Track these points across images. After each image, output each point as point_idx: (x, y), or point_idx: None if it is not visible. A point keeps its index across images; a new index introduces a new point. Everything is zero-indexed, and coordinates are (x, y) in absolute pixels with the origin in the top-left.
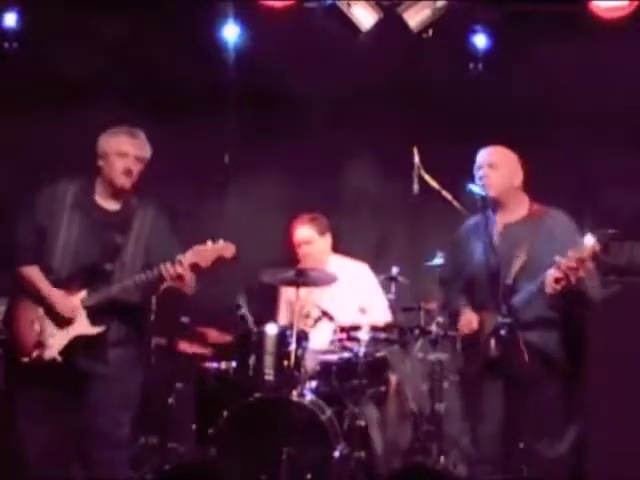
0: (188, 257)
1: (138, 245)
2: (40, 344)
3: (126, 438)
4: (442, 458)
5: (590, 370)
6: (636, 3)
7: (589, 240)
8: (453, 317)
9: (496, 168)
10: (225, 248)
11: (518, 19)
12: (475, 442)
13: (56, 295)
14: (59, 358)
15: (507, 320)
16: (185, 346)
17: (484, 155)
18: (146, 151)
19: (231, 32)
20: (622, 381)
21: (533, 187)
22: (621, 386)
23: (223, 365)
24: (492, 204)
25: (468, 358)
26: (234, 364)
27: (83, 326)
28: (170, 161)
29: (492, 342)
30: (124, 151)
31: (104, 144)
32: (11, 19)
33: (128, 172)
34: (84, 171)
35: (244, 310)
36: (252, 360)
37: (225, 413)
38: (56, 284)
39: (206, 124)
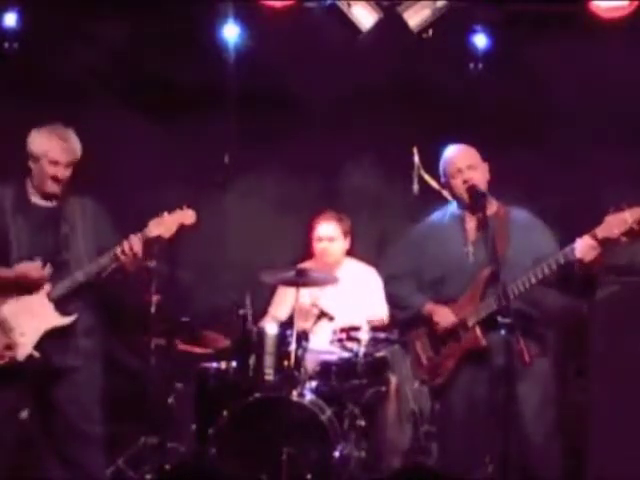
0: (151, 229)
1: (86, 232)
2: (11, 345)
3: (99, 433)
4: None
5: (590, 370)
6: (636, 3)
7: (629, 210)
8: (406, 313)
9: (475, 168)
10: (185, 215)
11: (518, 19)
12: (457, 439)
13: (19, 267)
14: (36, 354)
15: (507, 320)
16: (185, 346)
17: (460, 157)
18: (77, 153)
19: (231, 32)
20: (622, 381)
21: (533, 187)
22: (622, 386)
23: (223, 365)
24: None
25: (439, 354)
26: (234, 364)
27: (54, 318)
28: (170, 161)
29: (478, 332)
30: (55, 159)
31: (35, 146)
32: (11, 19)
33: (58, 180)
34: (84, 171)
35: (247, 310)
36: (252, 360)
37: (225, 413)
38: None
39: (206, 124)
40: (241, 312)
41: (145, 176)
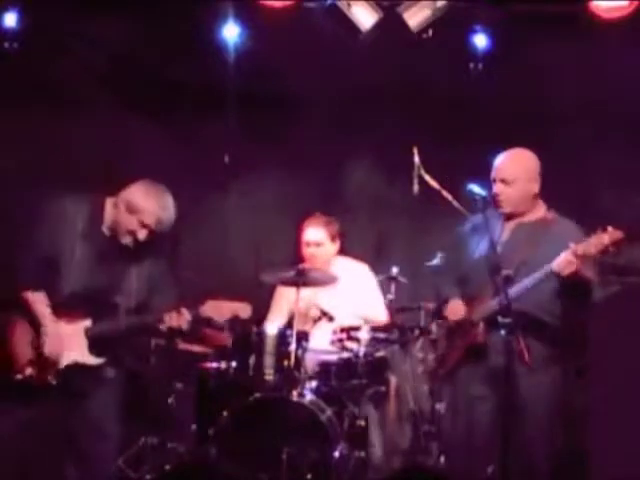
0: (206, 310)
1: (140, 282)
2: (33, 363)
3: (115, 432)
4: (442, 458)
5: (591, 370)
6: (636, 3)
7: (610, 230)
8: (441, 305)
9: (509, 184)
10: (243, 308)
11: (518, 19)
12: (467, 433)
13: (48, 324)
14: (53, 381)
15: (507, 320)
16: (185, 346)
17: (498, 167)
18: (167, 224)
19: (231, 32)
20: (622, 381)
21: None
22: (622, 386)
23: (223, 365)
24: (504, 214)
25: (451, 345)
26: (234, 364)
27: (82, 354)
28: (170, 161)
29: (481, 327)
30: (147, 223)
31: (135, 200)
32: (11, 19)
33: (135, 240)
34: (84, 171)
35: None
36: (252, 360)
37: (225, 413)
38: (63, 311)
39: (206, 124)
40: None
41: (145, 176)
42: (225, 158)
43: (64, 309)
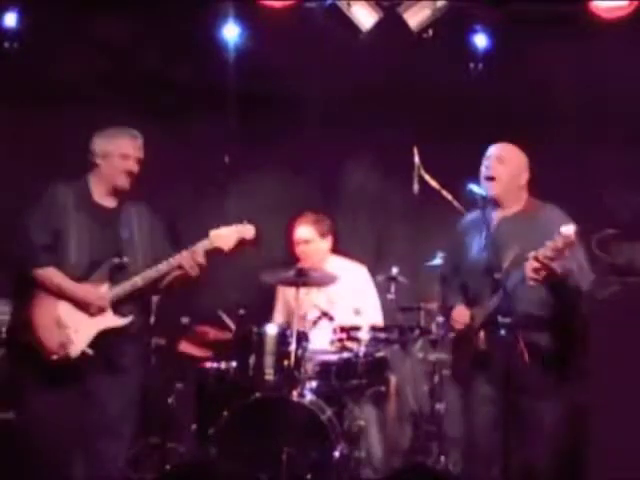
0: (213, 241)
1: (143, 238)
2: (65, 342)
3: (129, 433)
4: (442, 458)
5: (591, 370)
6: (636, 3)
7: (567, 229)
8: (448, 314)
9: (504, 163)
10: (245, 230)
11: (518, 19)
12: (469, 438)
13: (83, 289)
14: (89, 351)
15: (507, 320)
16: (185, 346)
17: (495, 148)
18: (142, 150)
19: (231, 32)
20: (623, 381)
21: (533, 187)
22: (622, 386)
23: (223, 365)
24: (492, 202)
25: (459, 353)
26: (234, 364)
27: (110, 319)
28: (170, 161)
29: (481, 335)
30: (127, 153)
31: (106, 144)
32: (11, 19)
33: (130, 174)
34: (83, 171)
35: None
36: (252, 360)
37: (225, 413)
38: (77, 282)
39: (206, 124)
40: (241, 312)
41: (145, 176)
42: (225, 158)
43: (78, 281)
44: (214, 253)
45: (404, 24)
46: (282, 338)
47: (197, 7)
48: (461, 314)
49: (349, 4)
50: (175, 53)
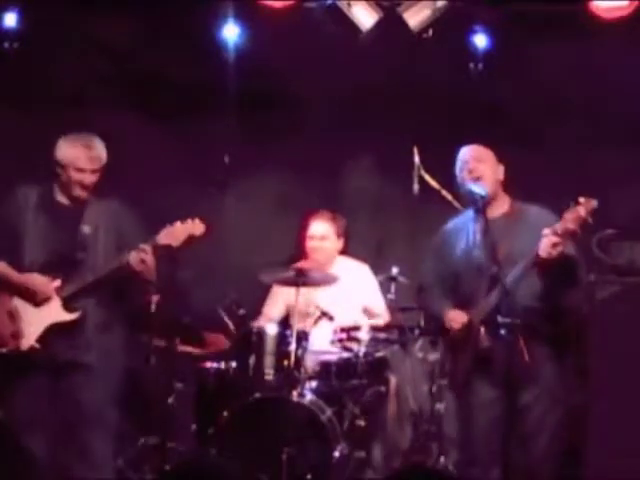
0: (161, 238)
1: (108, 233)
2: (17, 334)
3: (112, 426)
4: (442, 458)
5: (591, 370)
6: (636, 3)
7: (586, 199)
8: (435, 321)
9: (483, 162)
10: (194, 226)
11: (518, 19)
12: (466, 443)
13: (26, 277)
14: (37, 346)
15: (507, 320)
16: (185, 346)
17: (468, 151)
18: (101, 159)
19: (231, 32)
20: (623, 381)
21: (533, 187)
22: (622, 386)
23: (223, 365)
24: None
25: (458, 355)
26: (234, 364)
27: (58, 313)
28: (170, 161)
29: (482, 333)
30: (81, 167)
31: (61, 154)
32: (11, 19)
33: (84, 186)
34: None
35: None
36: (252, 360)
37: (225, 413)
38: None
39: (206, 124)
40: (241, 312)
41: (145, 176)
42: (225, 158)
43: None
44: (165, 250)
45: (404, 24)
46: (282, 338)
47: (197, 7)
48: (457, 315)
49: (349, 4)
50: (175, 53)
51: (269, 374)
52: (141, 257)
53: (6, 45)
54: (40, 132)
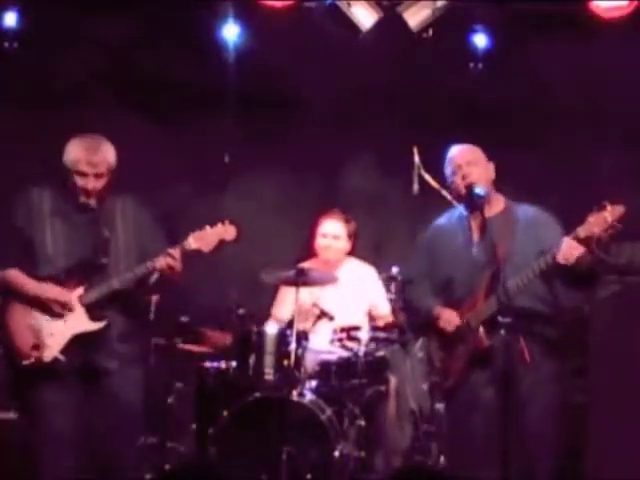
0: (191, 242)
1: (128, 236)
2: (38, 345)
3: (136, 433)
4: (442, 458)
5: (590, 370)
6: (636, 3)
7: (613, 206)
8: (419, 317)
9: (475, 165)
10: (226, 230)
11: (518, 19)
12: (468, 441)
13: (47, 288)
14: (62, 358)
15: (507, 320)
16: (185, 346)
17: (460, 155)
18: (107, 164)
19: (231, 32)
20: (622, 381)
21: (533, 187)
22: (621, 386)
23: (223, 365)
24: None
25: (450, 355)
26: (234, 364)
27: (83, 323)
28: (170, 161)
29: (481, 332)
30: (82, 171)
31: (65, 158)
32: (11, 19)
33: (88, 192)
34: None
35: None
36: (252, 360)
37: (225, 413)
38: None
39: (206, 124)
40: (241, 312)
41: (145, 176)
42: (225, 158)
43: (53, 284)
44: (194, 254)
45: (404, 24)
46: (282, 338)
47: (197, 7)
48: (449, 317)
49: (349, 4)
50: (175, 53)
51: (269, 374)
52: (169, 262)
53: (6, 45)
54: (40, 132)
